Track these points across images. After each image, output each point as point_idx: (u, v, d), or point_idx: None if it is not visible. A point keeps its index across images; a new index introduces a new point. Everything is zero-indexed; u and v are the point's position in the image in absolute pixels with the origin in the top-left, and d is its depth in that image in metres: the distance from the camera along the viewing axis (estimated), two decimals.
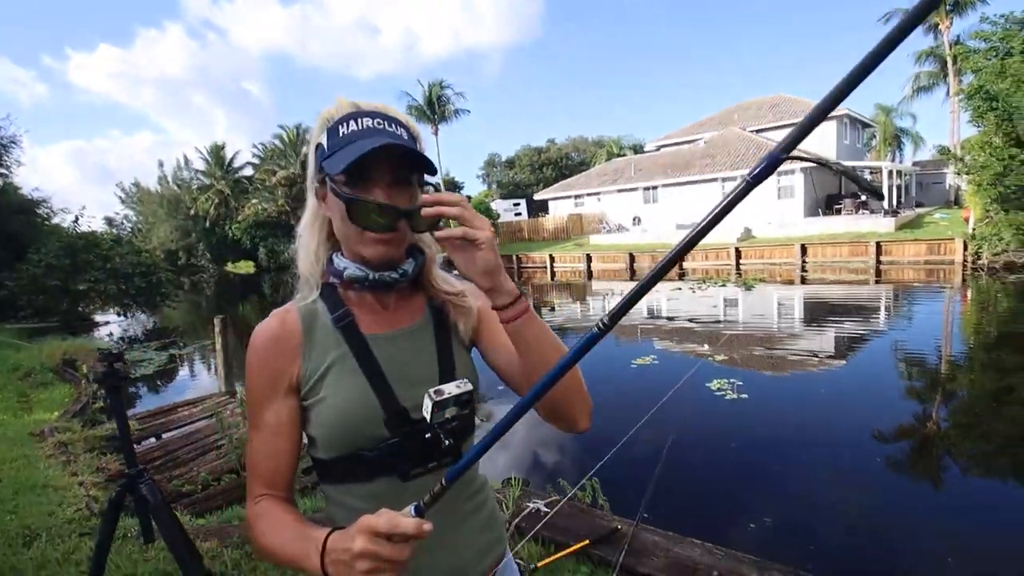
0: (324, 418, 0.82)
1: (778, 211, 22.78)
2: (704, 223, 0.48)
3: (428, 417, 0.69)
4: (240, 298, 28.61)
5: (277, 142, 47.93)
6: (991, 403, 6.09)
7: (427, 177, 0.88)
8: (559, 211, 31.71)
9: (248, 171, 51.20)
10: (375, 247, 0.82)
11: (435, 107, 41.62)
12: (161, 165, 55.98)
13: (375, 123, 0.82)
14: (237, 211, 48.62)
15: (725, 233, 21.36)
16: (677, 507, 3.94)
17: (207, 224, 49.31)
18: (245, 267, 50.16)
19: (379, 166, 0.80)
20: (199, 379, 10.53)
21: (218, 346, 7.43)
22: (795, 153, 0.42)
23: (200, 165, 51.70)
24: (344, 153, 0.78)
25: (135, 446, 5.48)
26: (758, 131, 27.31)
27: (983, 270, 15.28)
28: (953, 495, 4.31)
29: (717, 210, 0.47)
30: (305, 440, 0.88)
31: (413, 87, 45.50)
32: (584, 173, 34.69)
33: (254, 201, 46.60)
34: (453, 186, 61.90)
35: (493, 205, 38.39)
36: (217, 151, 50.43)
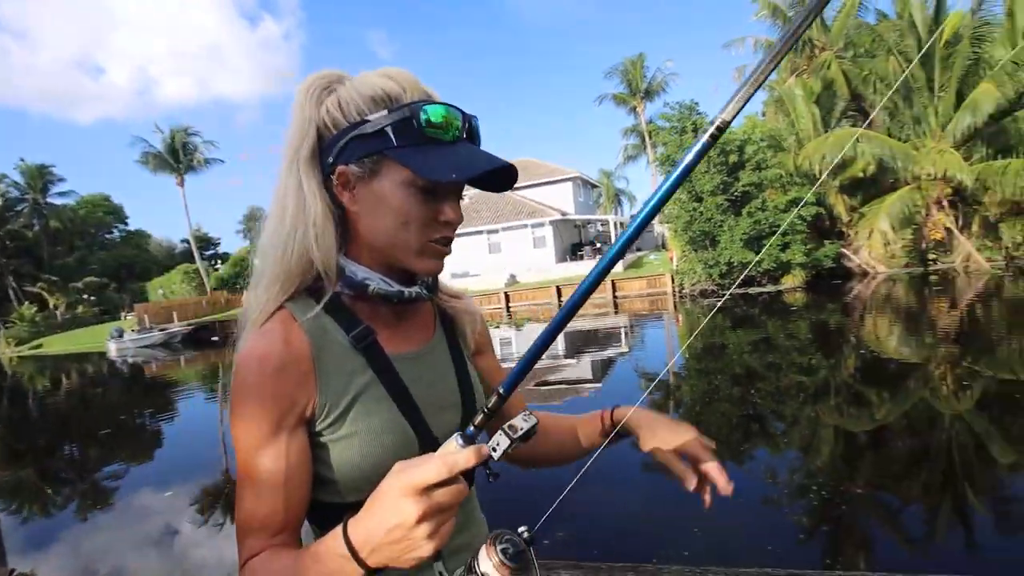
0: (352, 457, 0.70)
1: (535, 259, 25.60)
2: (655, 202, 0.52)
3: (498, 455, 0.61)
4: None
5: None
6: (706, 402, 7.67)
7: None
8: None
9: None
10: (435, 262, 0.75)
11: (179, 156, 37.28)
12: None
13: (467, 125, 0.72)
14: None
15: (495, 280, 23.17)
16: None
17: None
18: None
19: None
20: None
21: None
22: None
23: None
24: (442, 157, 0.68)
25: None
26: (512, 189, 30.47)
27: (687, 297, 19.23)
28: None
29: (668, 186, 0.52)
30: None
31: (150, 134, 39.97)
32: None
33: None
34: (206, 242, 55.41)
35: None
36: None
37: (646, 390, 8.76)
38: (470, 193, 31.03)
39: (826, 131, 19.32)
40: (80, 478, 8.49)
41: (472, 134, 0.73)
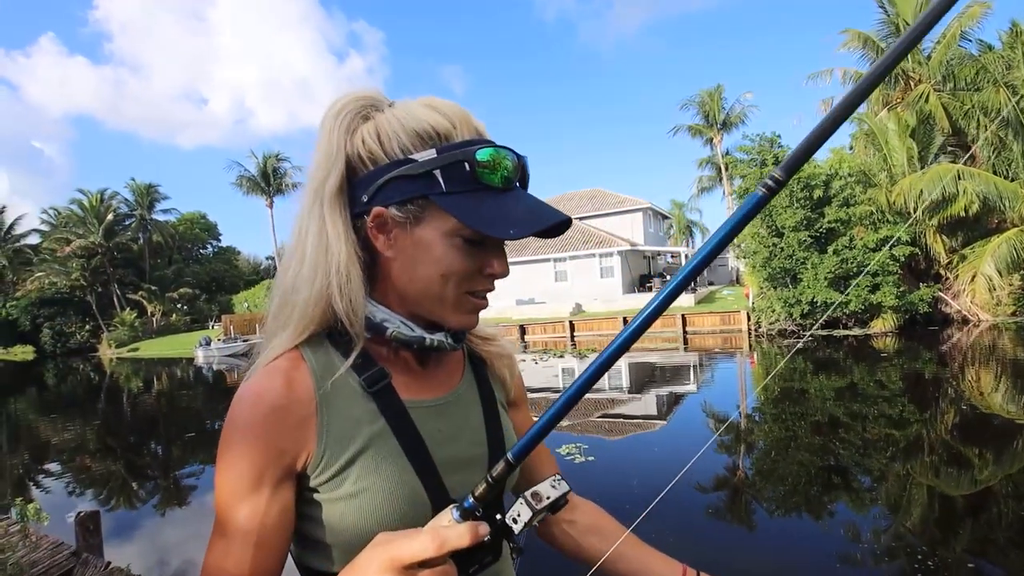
0: (355, 520, 0.60)
1: (602, 288, 25.33)
2: (709, 251, 0.46)
3: (519, 528, 0.53)
4: (11, 391, 23.50)
5: (75, 208, 41.89)
6: (781, 450, 7.21)
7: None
8: None
9: (34, 239, 43.81)
10: (471, 317, 0.68)
11: (270, 179, 40.15)
12: None
13: (515, 169, 0.64)
14: (15, 286, 40.85)
15: (560, 308, 23.11)
16: (536, 570, 4.03)
17: None
18: (21, 353, 41.52)
19: None
20: None
21: None
22: None
23: None
24: (496, 208, 0.61)
25: None
26: (580, 218, 30.50)
27: (763, 336, 18.32)
28: (761, 534, 4.97)
29: (721, 236, 0.46)
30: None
31: (245, 159, 43.48)
32: None
33: (40, 274, 39.61)
34: None
35: None
36: None
37: (715, 431, 8.35)
38: None
39: (922, 167, 18.11)
40: (163, 475, 9.04)
41: (525, 179, 0.66)
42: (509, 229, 0.58)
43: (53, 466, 10.15)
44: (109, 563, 4.58)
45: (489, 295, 0.72)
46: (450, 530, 0.47)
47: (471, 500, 0.50)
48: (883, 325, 16.99)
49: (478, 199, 0.60)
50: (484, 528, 0.48)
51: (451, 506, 0.51)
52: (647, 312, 0.48)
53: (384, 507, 0.60)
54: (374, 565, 0.47)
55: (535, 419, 0.60)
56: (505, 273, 0.66)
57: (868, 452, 6.78)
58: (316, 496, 0.61)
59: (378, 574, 0.46)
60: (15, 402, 19.76)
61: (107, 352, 37.55)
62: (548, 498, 0.54)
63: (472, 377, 0.76)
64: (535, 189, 0.69)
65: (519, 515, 0.53)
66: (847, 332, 17.30)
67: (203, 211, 51.73)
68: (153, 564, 5.47)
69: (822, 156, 19.58)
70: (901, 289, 16.69)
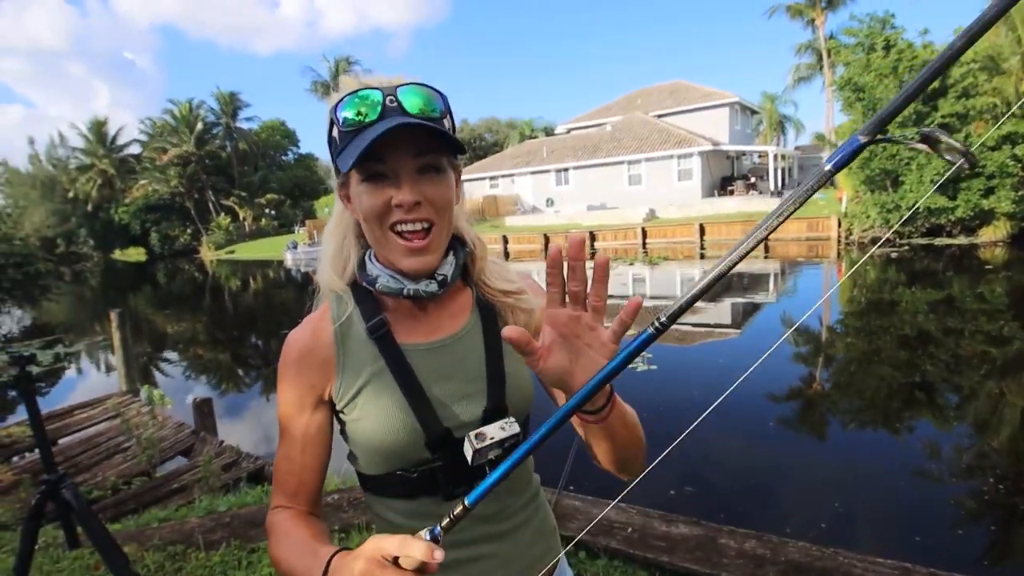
0: (362, 438, 0.77)
1: (679, 193, 24.20)
2: (776, 217, 0.47)
3: (470, 460, 0.62)
4: (130, 289, 26.33)
5: (168, 118, 44.02)
6: (862, 363, 6.95)
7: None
8: (474, 192, 31.60)
9: (135, 149, 46.95)
10: (409, 258, 0.74)
11: None
12: (32, 142, 49.88)
13: (388, 101, 0.70)
14: (124, 193, 44.54)
15: (632, 214, 22.47)
16: (595, 476, 4.24)
17: (89, 208, 44.79)
18: (135, 255, 46.13)
19: (398, 155, 0.70)
20: (93, 379, 9.73)
21: (116, 342, 6.94)
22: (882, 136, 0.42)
23: (78, 142, 46.48)
24: (353, 146, 0.69)
25: (27, 453, 5.09)
26: (660, 116, 28.58)
27: (854, 245, 17.13)
28: (833, 445, 4.93)
29: (790, 203, 0.46)
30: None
31: (318, 63, 43.51)
32: (498, 154, 34.77)
33: (143, 182, 42.87)
34: None
35: None
36: (98, 127, 45.63)
37: (793, 344, 8.12)
38: (610, 121, 29.64)
39: None
40: (264, 365, 10.03)
41: (402, 106, 0.71)
42: (349, 159, 0.68)
43: (171, 355, 11.50)
44: (222, 441, 5.27)
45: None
46: (414, 545, 0.53)
47: (438, 529, 0.56)
48: (994, 233, 15.36)
49: (353, 144, 0.70)
50: (440, 554, 0.54)
51: (427, 528, 0.56)
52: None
53: (381, 430, 0.75)
54: (369, 549, 0.56)
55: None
56: (406, 200, 0.71)
57: (959, 369, 6.42)
58: (342, 416, 0.80)
59: (367, 558, 0.56)
60: (135, 298, 22.16)
61: (208, 254, 40.83)
62: (492, 439, 0.63)
63: (478, 320, 0.83)
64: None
65: (465, 452, 0.62)
66: (950, 241, 15.83)
67: (282, 118, 52.91)
68: (259, 440, 6.22)
69: (941, 38, 17.02)
70: (1020, 193, 14.84)
